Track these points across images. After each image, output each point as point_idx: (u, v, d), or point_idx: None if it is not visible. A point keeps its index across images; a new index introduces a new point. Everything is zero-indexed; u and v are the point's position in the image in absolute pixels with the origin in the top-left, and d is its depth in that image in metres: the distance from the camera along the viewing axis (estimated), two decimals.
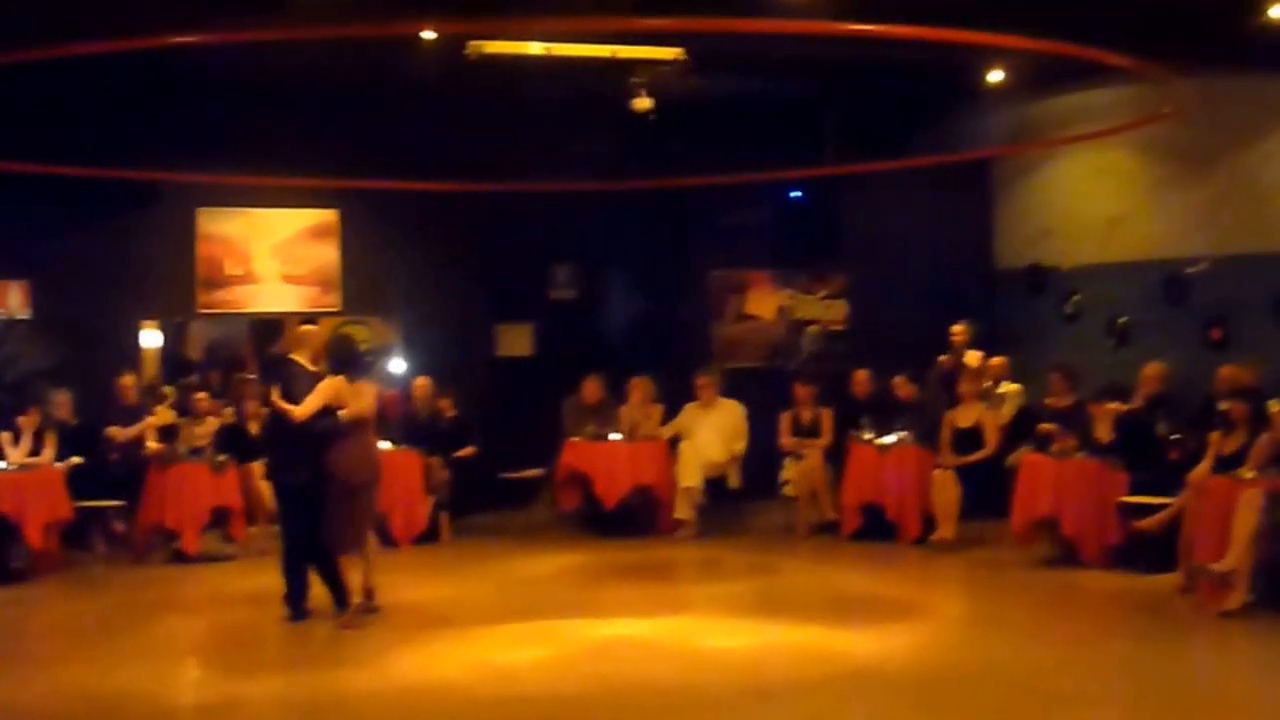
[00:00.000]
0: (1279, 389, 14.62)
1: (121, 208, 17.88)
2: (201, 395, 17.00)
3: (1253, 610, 11.98)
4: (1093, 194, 19.40)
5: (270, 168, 17.74)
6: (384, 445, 15.67)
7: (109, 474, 16.14)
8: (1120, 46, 13.70)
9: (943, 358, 17.61)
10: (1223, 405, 14.36)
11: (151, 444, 16.32)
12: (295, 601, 12.59)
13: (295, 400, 12.24)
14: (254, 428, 16.75)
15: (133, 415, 16.64)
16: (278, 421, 12.51)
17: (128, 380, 16.94)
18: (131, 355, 18.44)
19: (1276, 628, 11.67)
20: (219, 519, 16.00)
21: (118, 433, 16.46)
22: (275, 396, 12.38)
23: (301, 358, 12.67)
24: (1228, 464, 13.20)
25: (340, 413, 12.22)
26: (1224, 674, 10.99)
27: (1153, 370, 16.33)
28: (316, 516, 12.28)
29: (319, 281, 19.39)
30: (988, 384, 17.17)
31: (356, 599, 12.45)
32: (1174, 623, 12.28)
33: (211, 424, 16.63)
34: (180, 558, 15.57)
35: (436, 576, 13.82)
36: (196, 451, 16.16)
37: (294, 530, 12.52)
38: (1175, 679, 10.58)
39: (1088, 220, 19.40)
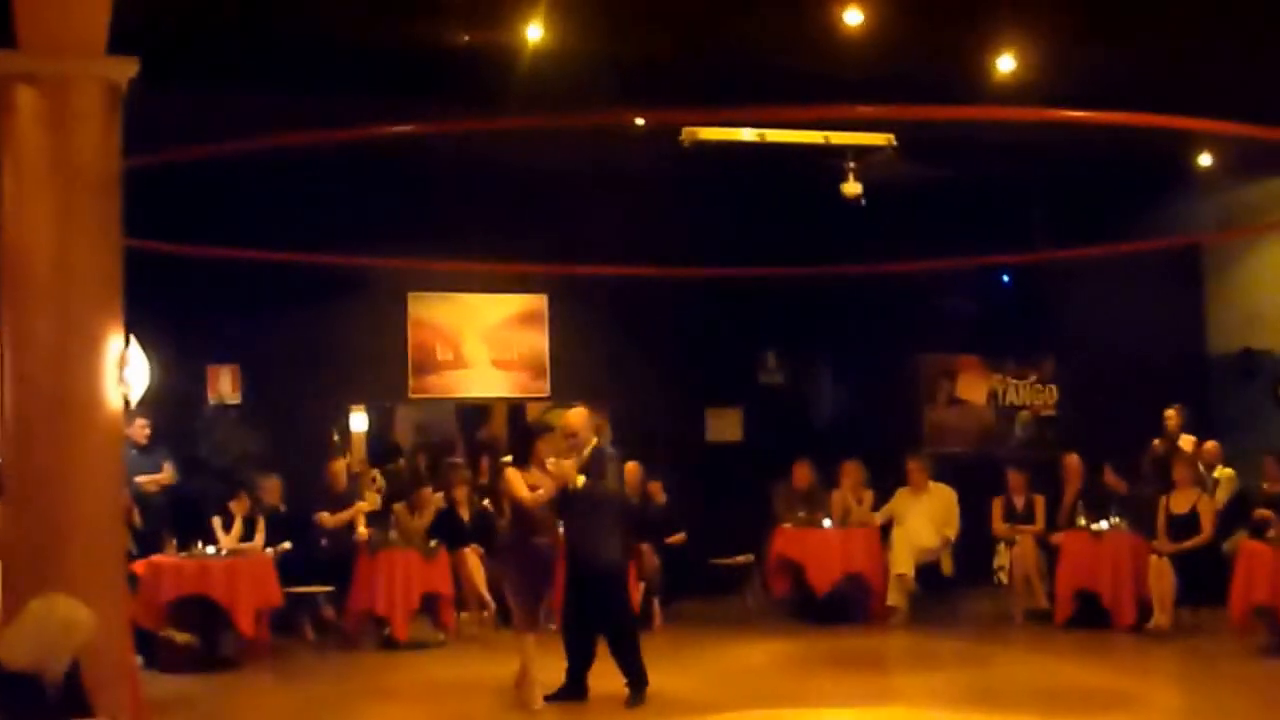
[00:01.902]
0: None
1: (332, 293, 18.12)
2: (427, 490, 17.10)
3: None
4: None
5: (481, 253, 17.97)
6: None
7: (319, 560, 16.17)
8: None
9: (1156, 442, 17.40)
10: None
11: (361, 530, 16.42)
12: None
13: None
14: (464, 514, 16.94)
15: (342, 501, 16.71)
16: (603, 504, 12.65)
17: (339, 466, 17.02)
18: (340, 440, 18.54)
19: None
20: (429, 605, 16.00)
21: (327, 518, 16.48)
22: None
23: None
24: None
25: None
26: None
27: None
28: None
29: (528, 367, 19.52)
30: (1202, 469, 16.92)
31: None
32: None
33: (430, 514, 16.72)
34: (390, 644, 15.58)
35: (648, 664, 13.80)
36: (408, 539, 16.20)
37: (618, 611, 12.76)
38: None
39: None
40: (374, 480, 17.69)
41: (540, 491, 12.35)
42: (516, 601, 12.70)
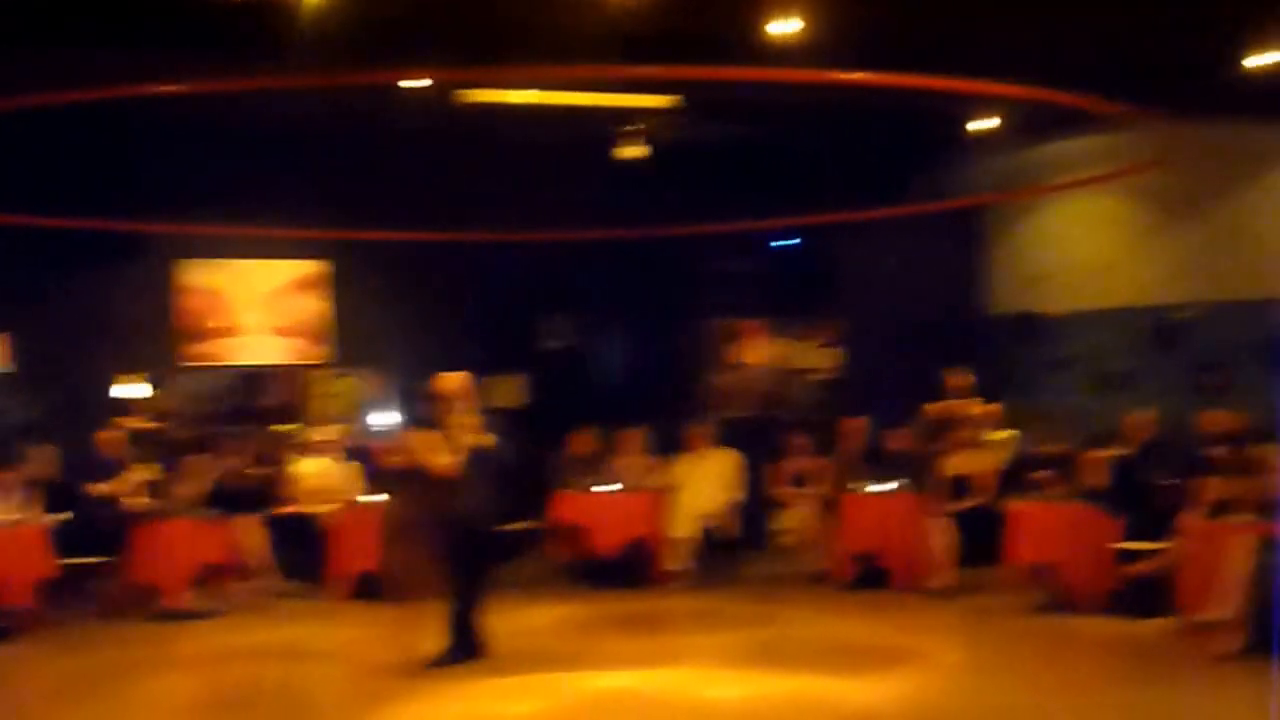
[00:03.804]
0: (1270, 433, 14.67)
1: (104, 259, 17.76)
2: (198, 457, 16.79)
3: (1245, 654, 11.95)
4: (1083, 241, 19.46)
5: (257, 218, 17.67)
6: (376, 498, 15.74)
7: (93, 530, 15.77)
8: (1110, 94, 13.73)
9: (935, 405, 17.54)
10: (1212, 451, 14.38)
11: (136, 499, 16.09)
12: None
13: None
14: (241, 482, 16.77)
15: (115, 470, 16.34)
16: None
17: (110, 435, 16.67)
18: (114, 409, 18.21)
19: (1269, 671, 11.57)
20: (206, 575, 15.76)
21: (100, 488, 16.14)
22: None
23: None
24: (1219, 509, 13.24)
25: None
26: (1218, 717, 10.93)
27: (1143, 416, 16.33)
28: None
29: (308, 333, 19.33)
30: (981, 431, 17.10)
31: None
32: (1168, 667, 12.21)
33: (203, 482, 16.39)
34: (167, 615, 15.29)
35: (430, 631, 13.67)
36: (183, 508, 15.93)
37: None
38: None
39: (1078, 267, 19.45)
40: (147, 451, 17.31)
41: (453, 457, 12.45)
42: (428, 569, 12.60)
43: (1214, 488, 13.63)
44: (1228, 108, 16.31)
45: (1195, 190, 18.07)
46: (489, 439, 12.60)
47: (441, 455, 12.46)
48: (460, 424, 12.56)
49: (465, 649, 12.60)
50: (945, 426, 16.97)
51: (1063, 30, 13.84)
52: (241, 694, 12.29)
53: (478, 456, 12.56)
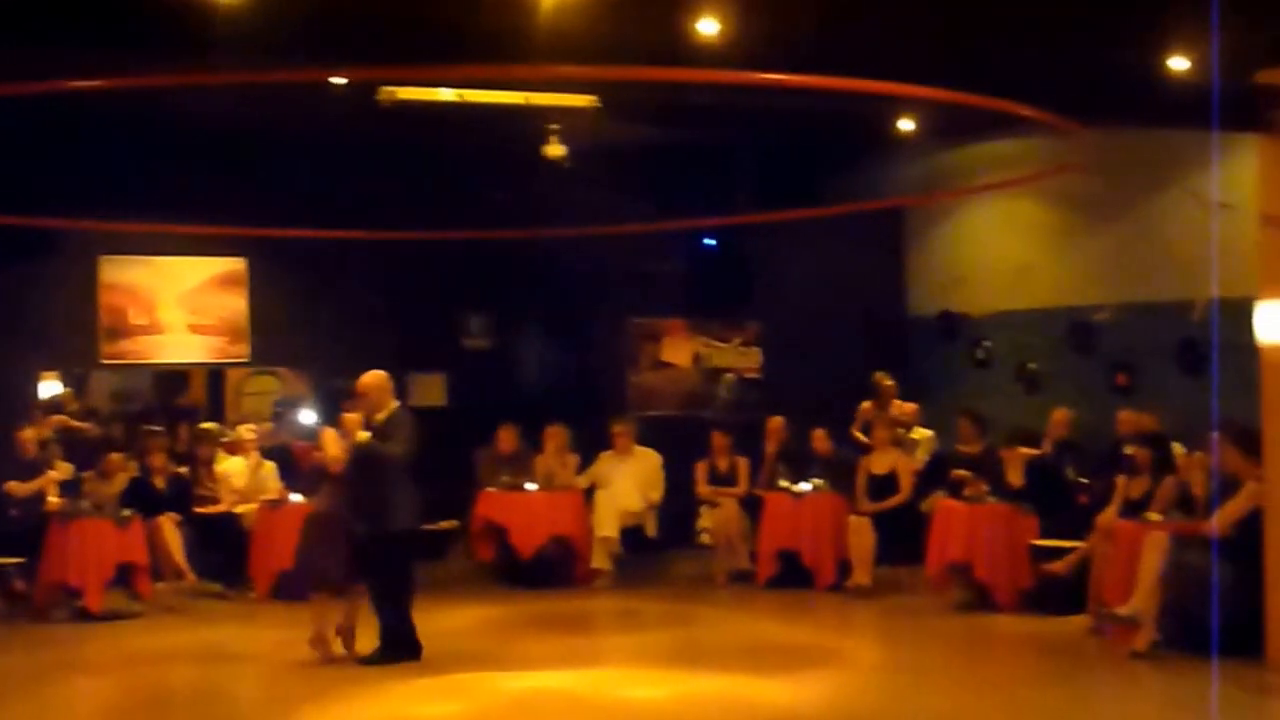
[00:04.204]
0: (1182, 433, 14.83)
1: (22, 256, 17.55)
2: (115, 456, 16.68)
3: (1160, 650, 12.11)
4: (1002, 243, 19.58)
5: (176, 215, 17.53)
6: (296, 497, 15.66)
7: (9, 531, 15.61)
8: (1028, 98, 13.81)
9: (866, 405, 17.66)
10: (1128, 450, 14.54)
11: (52, 499, 15.93)
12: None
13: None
14: (160, 481, 16.63)
15: (33, 469, 16.15)
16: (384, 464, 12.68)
17: (27, 434, 16.41)
18: (34, 407, 18.06)
19: (1182, 667, 11.75)
20: (124, 576, 15.56)
21: (17, 488, 15.91)
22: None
23: None
24: (1134, 508, 13.45)
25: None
26: (1133, 713, 11.09)
27: (1060, 416, 16.59)
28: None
29: (226, 331, 19.11)
30: (901, 430, 17.22)
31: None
32: (1084, 664, 12.35)
33: (121, 481, 16.32)
34: (83, 616, 15.12)
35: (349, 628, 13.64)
36: (100, 507, 15.79)
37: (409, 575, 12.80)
38: None
39: (997, 268, 19.57)
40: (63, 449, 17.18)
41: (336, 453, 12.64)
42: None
43: (1129, 486, 13.81)
44: (1143, 114, 16.40)
45: (1111, 194, 18.17)
46: (364, 437, 12.56)
47: (333, 450, 12.54)
48: (351, 420, 12.61)
49: (395, 649, 12.58)
50: (868, 426, 17.16)
51: (981, 35, 13.90)
52: (161, 696, 12.25)
53: (363, 454, 12.59)
